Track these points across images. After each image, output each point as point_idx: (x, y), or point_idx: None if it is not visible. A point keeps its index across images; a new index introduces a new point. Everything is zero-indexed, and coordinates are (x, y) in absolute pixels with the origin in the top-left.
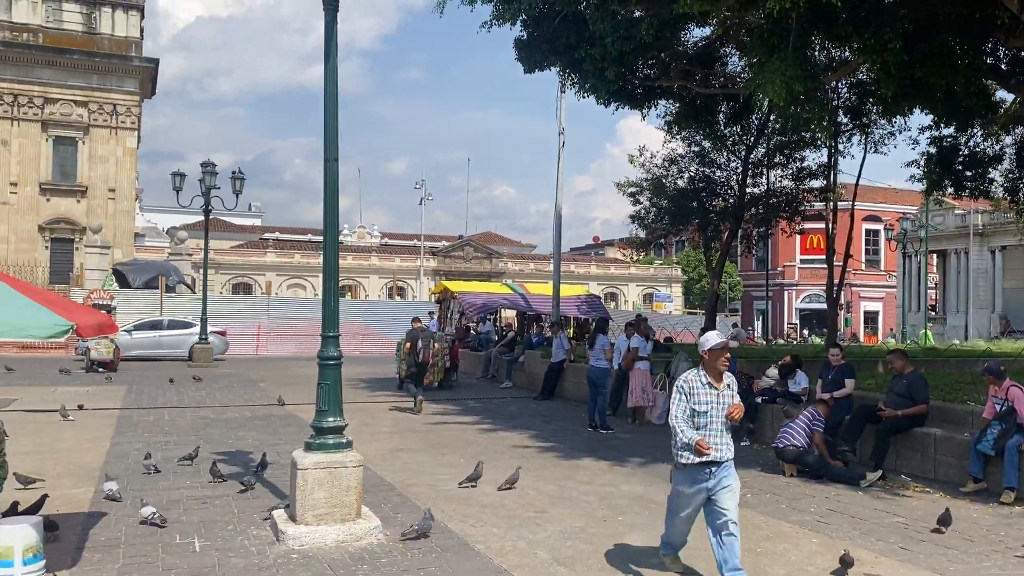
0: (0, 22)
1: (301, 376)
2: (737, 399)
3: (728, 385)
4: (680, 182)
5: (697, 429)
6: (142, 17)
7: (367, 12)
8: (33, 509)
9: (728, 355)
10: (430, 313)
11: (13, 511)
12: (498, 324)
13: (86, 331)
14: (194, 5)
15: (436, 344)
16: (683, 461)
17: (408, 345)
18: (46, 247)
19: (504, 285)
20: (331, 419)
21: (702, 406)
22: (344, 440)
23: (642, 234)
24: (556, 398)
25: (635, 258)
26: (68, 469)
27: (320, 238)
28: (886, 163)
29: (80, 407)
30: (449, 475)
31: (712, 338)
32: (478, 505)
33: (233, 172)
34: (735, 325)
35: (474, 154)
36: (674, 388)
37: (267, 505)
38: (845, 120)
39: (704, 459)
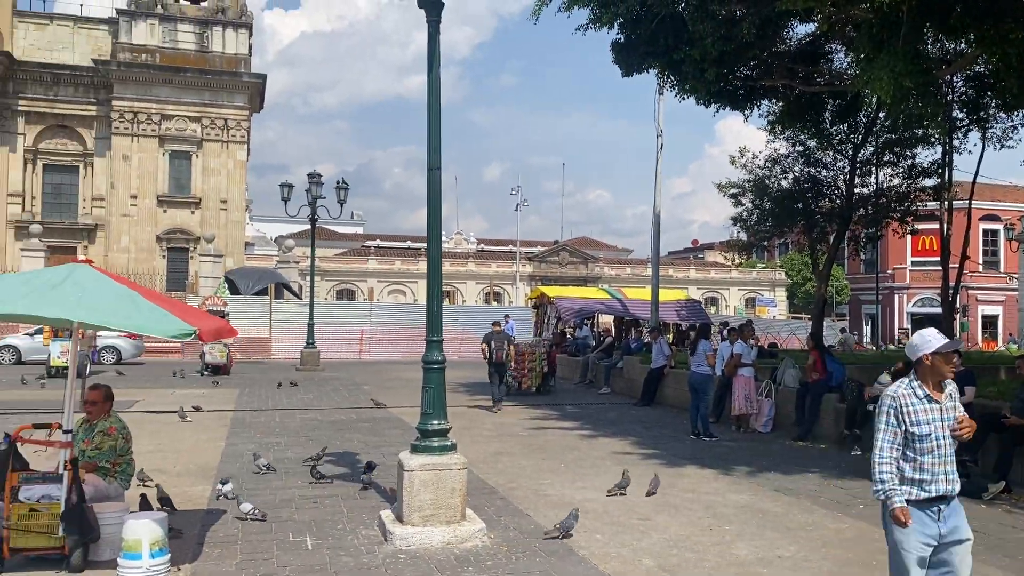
0: (122, 44)
1: (402, 379)
2: (961, 409)
3: (950, 395)
4: (784, 183)
5: (919, 456)
6: (250, 35)
7: (464, 21)
8: (165, 503)
9: (956, 360)
10: (505, 317)
11: (147, 505)
12: (595, 329)
13: (207, 336)
14: (299, 21)
15: (511, 346)
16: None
17: (484, 347)
18: (163, 256)
19: (601, 290)
20: (436, 422)
21: (923, 427)
22: (449, 443)
23: (744, 236)
24: (656, 404)
25: (736, 261)
26: (187, 468)
27: (419, 245)
28: (1006, 159)
29: (197, 408)
30: (550, 480)
31: (935, 338)
32: (581, 511)
33: (337, 182)
34: (843, 330)
35: (568, 158)
36: (878, 408)
37: (375, 505)
38: (961, 115)
39: (928, 495)
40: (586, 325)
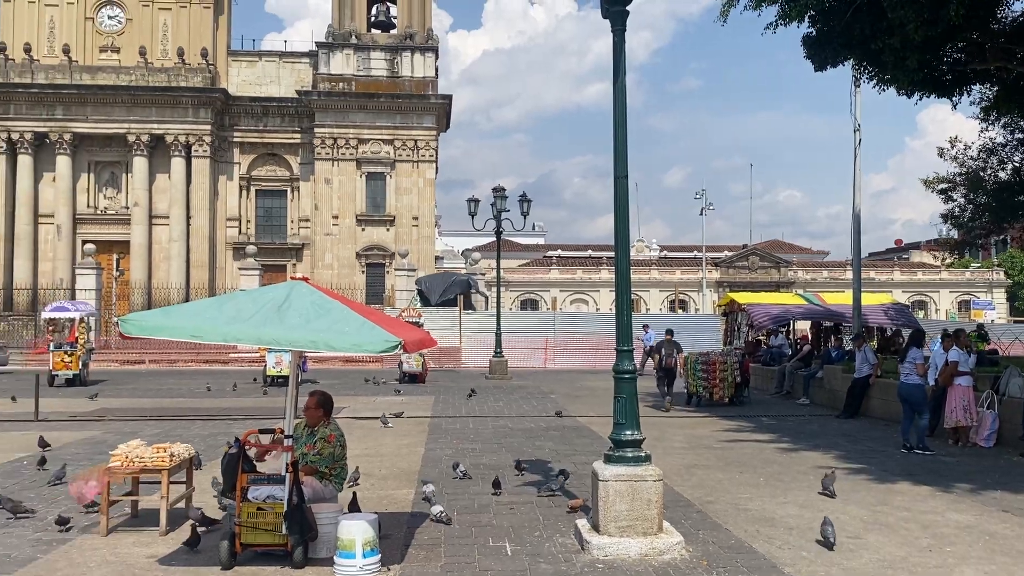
0: (321, 75)
1: (588, 388)
2: None
3: None
4: (1002, 174)
5: None
6: (436, 58)
7: (641, 27)
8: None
9: None
10: (644, 326)
11: (355, 506)
12: (791, 337)
13: (411, 347)
14: (481, 41)
15: (680, 354)
16: None
17: (655, 355)
18: (362, 271)
19: (796, 295)
20: (629, 432)
21: None
22: (643, 454)
23: (955, 234)
24: (861, 416)
25: (947, 261)
26: (391, 471)
27: (600, 254)
28: None
29: (398, 415)
30: (749, 494)
31: None
32: (784, 527)
33: (521, 195)
34: None
35: (755, 159)
36: None
37: (569, 513)
38: None
39: None
40: (781, 333)
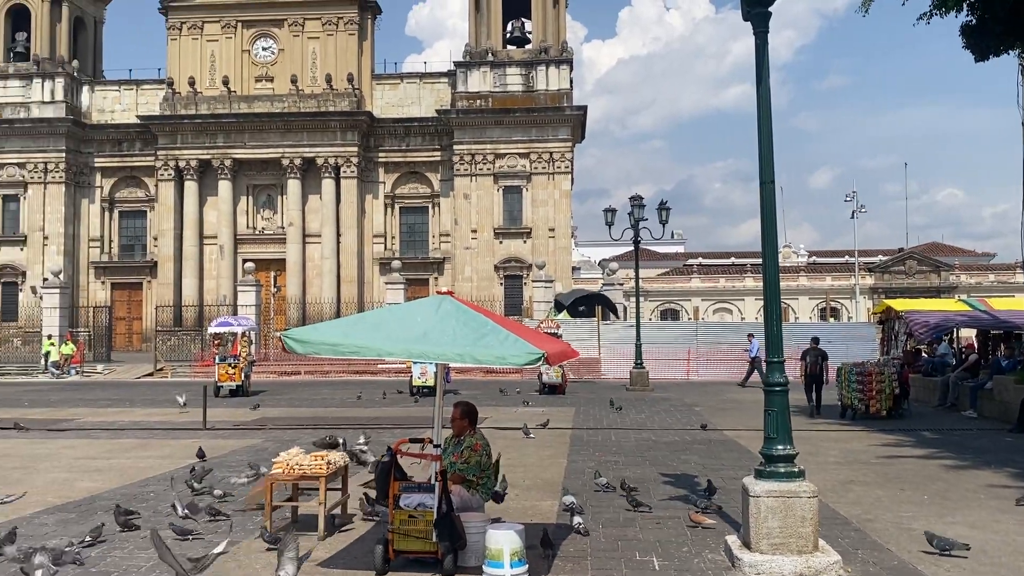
0: (459, 93)
1: (734, 401)
2: None
3: None
4: None
5: None
6: (571, 70)
7: (784, 25)
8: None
9: None
10: (749, 336)
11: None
12: (955, 346)
13: (553, 359)
14: (615, 49)
15: (825, 361)
16: None
17: (800, 362)
18: (501, 284)
19: (959, 301)
20: (780, 447)
21: None
22: (796, 469)
23: None
24: None
25: None
26: (535, 483)
27: (744, 261)
28: None
29: (544, 425)
30: (912, 512)
31: None
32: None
33: (660, 203)
34: None
35: (910, 157)
36: None
37: (718, 529)
38: None
39: None
40: (944, 341)
